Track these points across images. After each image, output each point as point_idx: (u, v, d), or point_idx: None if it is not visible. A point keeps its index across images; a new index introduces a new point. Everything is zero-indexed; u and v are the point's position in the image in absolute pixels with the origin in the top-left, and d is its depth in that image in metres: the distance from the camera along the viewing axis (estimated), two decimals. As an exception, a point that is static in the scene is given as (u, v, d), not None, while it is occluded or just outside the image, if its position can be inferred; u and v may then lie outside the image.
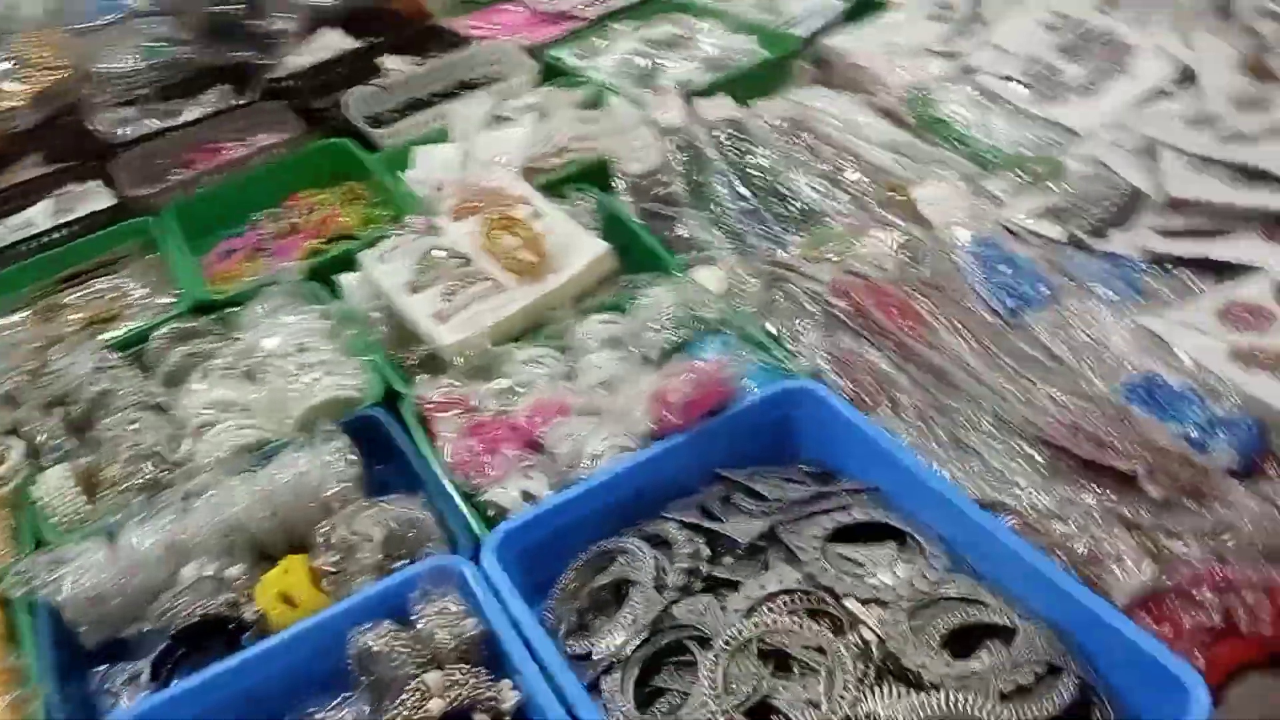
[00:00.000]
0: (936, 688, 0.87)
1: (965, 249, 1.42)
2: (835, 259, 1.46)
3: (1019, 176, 1.60)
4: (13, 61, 2.26)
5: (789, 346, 1.32)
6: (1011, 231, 1.46)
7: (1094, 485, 1.06)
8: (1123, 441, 1.06)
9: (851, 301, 1.31)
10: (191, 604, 1.11)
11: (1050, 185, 1.57)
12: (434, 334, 1.41)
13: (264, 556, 1.20)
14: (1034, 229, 1.48)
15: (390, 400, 1.36)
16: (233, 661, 1.00)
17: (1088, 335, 1.24)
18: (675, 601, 1.01)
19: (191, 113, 2.27)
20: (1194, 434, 1.07)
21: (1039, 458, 1.10)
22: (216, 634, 1.08)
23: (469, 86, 2.16)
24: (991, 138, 1.73)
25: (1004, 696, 0.85)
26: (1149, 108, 1.69)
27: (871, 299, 1.30)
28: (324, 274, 1.60)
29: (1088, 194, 1.53)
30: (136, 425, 1.32)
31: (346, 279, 1.59)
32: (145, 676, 1.07)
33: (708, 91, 1.93)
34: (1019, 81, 1.86)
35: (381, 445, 1.29)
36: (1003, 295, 1.32)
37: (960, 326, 1.27)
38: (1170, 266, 1.36)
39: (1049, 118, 1.75)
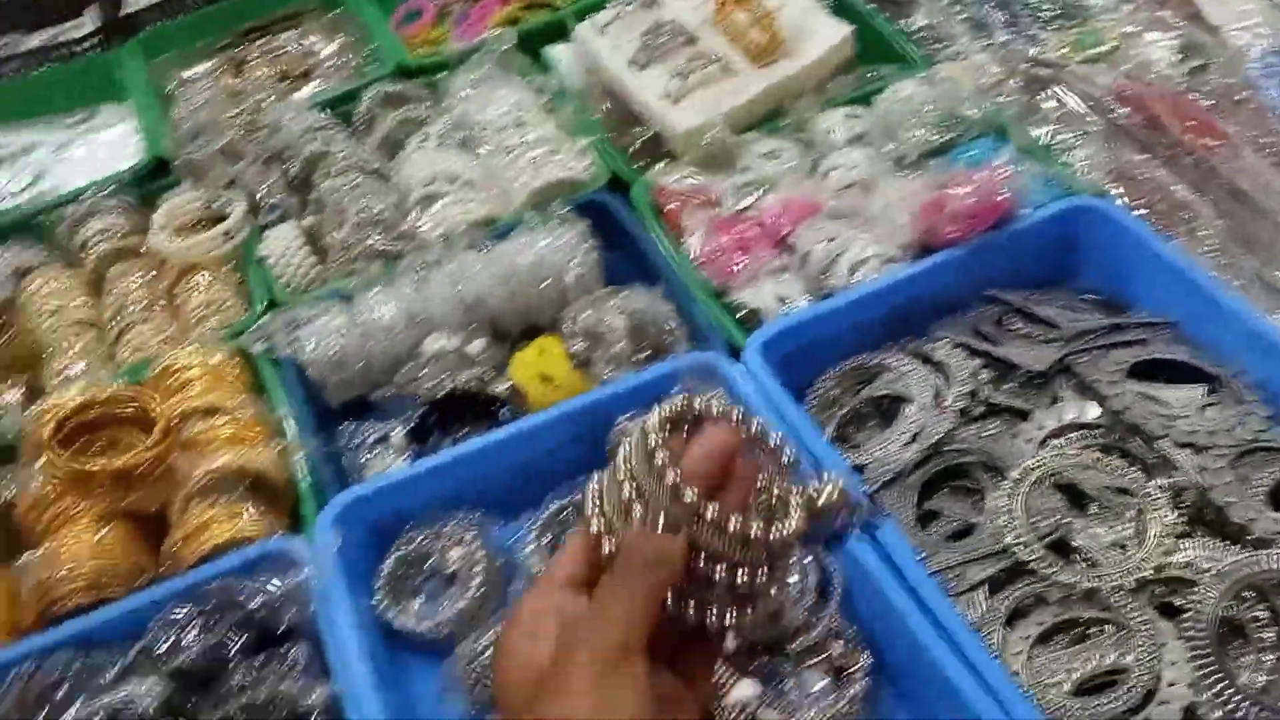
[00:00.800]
0: (1267, 544, 0.82)
1: (1260, 61, 1.26)
2: (1105, 61, 1.31)
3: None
4: None
5: (1060, 158, 1.20)
6: (1317, 46, 1.29)
7: None
8: None
9: (1143, 111, 1.18)
10: (438, 375, 1.09)
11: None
12: (664, 117, 1.32)
13: (499, 337, 1.18)
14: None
15: (612, 187, 1.29)
16: (497, 436, 0.99)
17: None
18: (955, 426, 0.96)
19: None
20: None
21: (1364, 304, 1.00)
22: (469, 407, 1.07)
23: None
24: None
25: None
26: None
27: (1165, 109, 1.17)
28: (525, 44, 1.50)
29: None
30: (359, 190, 1.28)
31: (557, 51, 1.49)
32: (399, 439, 1.07)
33: None
34: None
35: (608, 233, 1.23)
36: (1312, 119, 1.17)
37: (1266, 148, 1.13)
38: None
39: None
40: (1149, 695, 0.77)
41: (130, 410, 1.04)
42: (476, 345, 1.13)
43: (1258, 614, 0.79)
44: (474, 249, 1.18)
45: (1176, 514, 0.85)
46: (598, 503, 0.55)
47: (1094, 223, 1.08)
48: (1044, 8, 1.46)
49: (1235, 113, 1.19)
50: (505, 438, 0.99)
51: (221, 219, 1.31)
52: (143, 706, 0.83)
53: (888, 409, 1.03)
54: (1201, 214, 1.11)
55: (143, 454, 0.99)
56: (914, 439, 0.96)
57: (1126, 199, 1.14)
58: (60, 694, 0.86)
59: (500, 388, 1.09)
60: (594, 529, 0.54)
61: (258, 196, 1.33)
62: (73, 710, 0.84)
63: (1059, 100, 1.28)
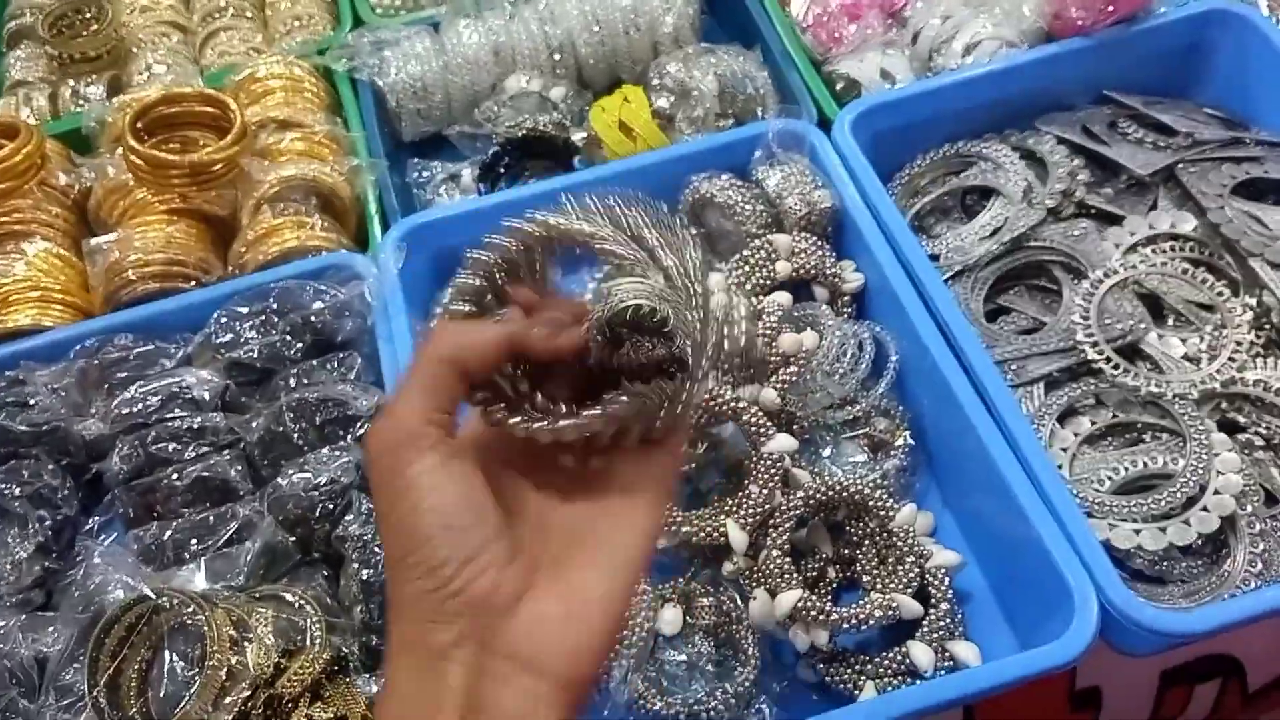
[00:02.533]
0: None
1: None
2: None
3: None
4: None
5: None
6: None
7: None
8: None
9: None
10: (516, 116, 1.07)
11: None
12: None
13: (583, 85, 1.14)
14: None
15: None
16: (566, 180, 0.97)
17: None
18: (1043, 221, 0.92)
19: None
20: None
21: None
22: (543, 151, 1.05)
23: None
24: None
25: None
26: None
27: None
28: None
29: None
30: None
31: None
32: (468, 178, 1.06)
33: None
34: None
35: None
36: None
37: None
38: None
39: None
40: (1190, 502, 0.76)
41: (210, 111, 1.04)
42: (559, 91, 1.10)
43: (1324, 443, 0.77)
44: (570, -13, 1.13)
45: (1256, 333, 0.82)
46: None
47: (1232, 29, 0.99)
48: None
49: None
50: (575, 183, 0.97)
51: (312, -66, 1.26)
52: (198, 393, 0.86)
53: (974, 205, 0.98)
54: (1356, 33, 1.01)
55: (218, 152, 0.99)
56: (994, 232, 0.92)
57: (1271, 8, 1.04)
58: (122, 374, 0.90)
59: (578, 136, 1.07)
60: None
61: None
62: (132, 389, 0.87)
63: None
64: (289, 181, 0.99)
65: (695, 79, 1.06)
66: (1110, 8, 0.97)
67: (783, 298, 0.88)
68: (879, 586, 0.76)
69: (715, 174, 0.96)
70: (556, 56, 1.11)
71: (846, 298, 0.91)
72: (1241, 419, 0.80)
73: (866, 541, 0.78)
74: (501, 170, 1.04)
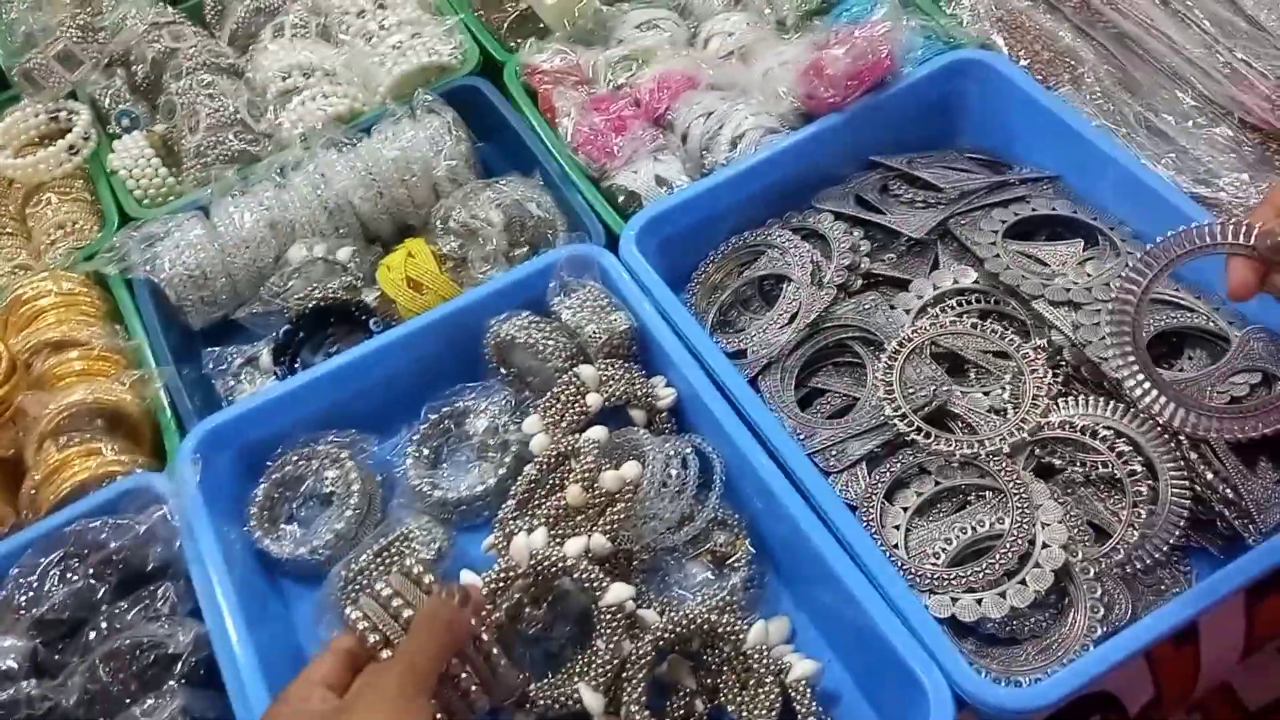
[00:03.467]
0: (1140, 397, 0.81)
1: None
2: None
3: None
4: None
5: (947, 9, 1.15)
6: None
7: (1311, 176, 0.95)
8: (1352, 128, 0.93)
9: (1027, -44, 1.12)
10: (305, 287, 1.04)
11: None
12: (533, -10, 1.24)
13: (370, 239, 1.12)
14: None
15: (486, 70, 1.22)
16: (366, 348, 0.94)
17: (1302, 1, 1.07)
18: (835, 300, 0.94)
19: None
20: None
21: (1246, 146, 0.98)
22: (338, 319, 1.02)
23: None
24: None
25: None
26: None
27: (1050, -47, 1.12)
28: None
29: None
30: (211, 89, 1.19)
31: (419, -77, 1.38)
32: (266, 360, 1.02)
33: None
34: None
35: (481, 121, 1.17)
36: (1199, -49, 1.12)
37: (1153, -11, 1.09)
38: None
39: None
40: (1024, 559, 0.77)
41: (-28, 350, 0.98)
42: (345, 251, 1.08)
43: (1134, 468, 0.79)
44: (336, 146, 1.11)
45: (1053, 375, 0.84)
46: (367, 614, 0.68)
47: (977, 77, 1.04)
48: None
49: (1123, -50, 1.13)
50: (374, 349, 0.94)
51: (67, 132, 1.22)
52: (3, 664, 0.80)
53: (772, 290, 1.00)
54: (1085, 60, 1.07)
55: (-13, 396, 0.93)
56: (792, 319, 0.93)
57: (1010, 50, 1.10)
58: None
59: (371, 295, 1.04)
60: (360, 627, 0.67)
61: (103, 105, 1.23)
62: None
63: (945, -52, 1.21)
64: (70, 410, 0.94)
65: (480, 216, 1.06)
66: (854, 82, 1.00)
67: (597, 433, 0.86)
68: (745, 714, 0.75)
69: (514, 313, 0.95)
70: (335, 218, 1.09)
71: (664, 414, 0.91)
72: (1057, 461, 0.82)
73: (725, 668, 0.77)
74: (298, 348, 1.01)
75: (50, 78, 1.26)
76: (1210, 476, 0.78)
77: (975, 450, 0.81)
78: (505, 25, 1.28)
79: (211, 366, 1.05)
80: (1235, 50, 1.03)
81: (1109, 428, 0.81)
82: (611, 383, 0.89)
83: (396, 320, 1.00)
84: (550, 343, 0.92)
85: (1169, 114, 1.01)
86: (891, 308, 0.92)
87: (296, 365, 1.01)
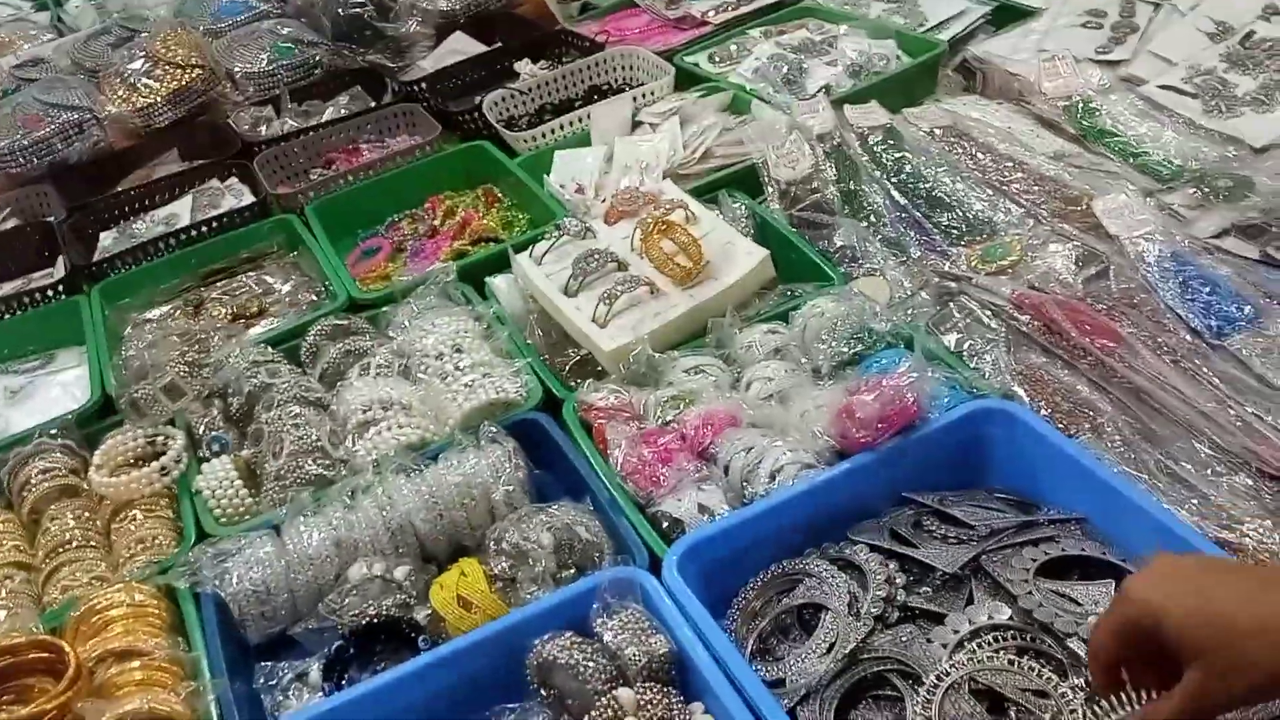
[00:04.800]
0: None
1: (1156, 265, 1.34)
2: (1010, 272, 1.39)
3: (1203, 191, 1.51)
4: (146, 60, 2.28)
5: (970, 364, 1.25)
6: (1204, 249, 1.37)
7: (1331, 522, 0.98)
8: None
9: (1041, 316, 1.24)
10: (360, 604, 1.09)
11: (1238, 201, 1.47)
12: (594, 339, 1.37)
13: (427, 559, 1.18)
14: (1226, 246, 1.39)
15: (548, 406, 1.33)
16: (411, 666, 0.97)
17: (1301, 359, 1.15)
18: (873, 630, 0.96)
19: (327, 113, 2.30)
20: None
21: (1266, 494, 1.02)
22: (389, 636, 1.05)
23: (601, 92, 2.14)
24: (1164, 150, 1.64)
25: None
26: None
27: (1063, 314, 1.23)
28: (471, 275, 1.59)
29: (1278, 211, 1.44)
30: (298, 420, 1.31)
31: (497, 281, 1.57)
32: (315, 676, 1.05)
33: (854, 98, 1.87)
34: (1185, 92, 1.77)
35: (541, 451, 1.26)
36: (1204, 315, 1.23)
37: (1162, 347, 1.18)
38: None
39: (1224, 130, 1.65)
40: None
41: (45, 656, 1.03)
42: (402, 570, 1.13)
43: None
44: (405, 472, 1.20)
45: (1093, 712, 0.83)
46: None
47: (1001, 423, 1.11)
48: (954, 226, 1.55)
49: (1132, 315, 1.24)
50: (420, 668, 0.98)
51: (161, 454, 1.33)
52: None
53: (810, 618, 1.02)
54: (1104, 411, 1.14)
55: (49, 701, 0.96)
56: (830, 649, 0.95)
57: (1031, 400, 1.18)
58: None
59: (423, 614, 1.08)
60: None
61: (198, 431, 1.36)
62: None
63: (966, 310, 1.34)
64: (125, 718, 0.96)
65: (530, 539, 1.11)
66: (883, 424, 1.08)
67: (633, 759, 0.86)
68: None
69: (557, 634, 0.98)
70: (397, 538, 1.15)
71: (700, 743, 0.91)
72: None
73: None
74: (347, 665, 1.04)
75: (154, 406, 1.40)
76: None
77: (1019, 791, 0.79)
78: (568, 368, 1.42)
79: (263, 681, 1.08)
80: (1246, 405, 1.10)
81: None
82: (649, 708, 0.90)
83: (445, 638, 1.03)
84: (590, 665, 0.94)
85: (1188, 462, 1.07)
86: (929, 641, 0.94)
87: (344, 681, 1.03)
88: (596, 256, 1.47)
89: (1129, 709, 0.76)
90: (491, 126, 2.03)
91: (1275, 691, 0.73)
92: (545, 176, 1.84)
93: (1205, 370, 1.14)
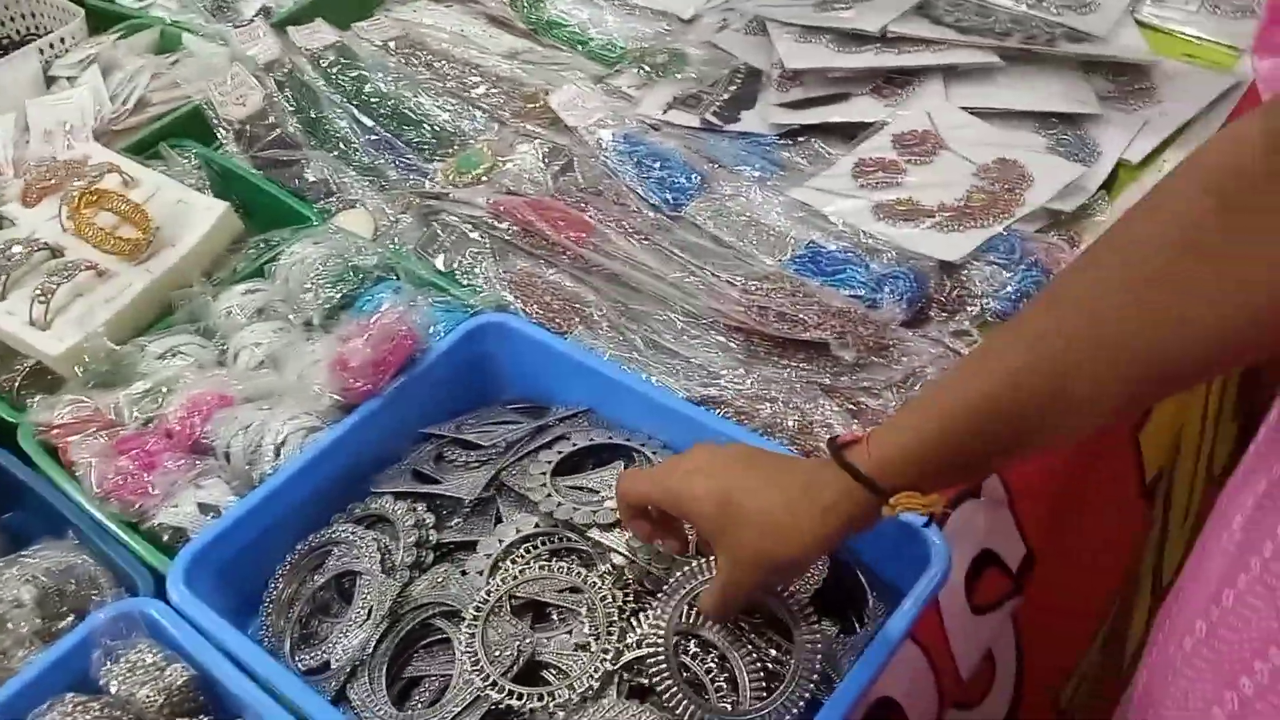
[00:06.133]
0: (697, 595, 0.86)
1: (613, 149, 1.40)
2: (486, 180, 1.38)
3: (644, 70, 1.60)
4: None
5: (463, 281, 1.24)
6: (652, 126, 1.46)
7: (789, 360, 1.10)
8: (807, 313, 1.10)
9: (517, 220, 1.25)
10: None
11: (675, 74, 1.58)
12: (37, 345, 1.17)
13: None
14: (670, 119, 1.48)
15: (2, 434, 1.12)
16: None
17: (747, 216, 1.27)
18: (410, 581, 0.93)
19: None
20: (864, 293, 1.13)
21: (734, 345, 1.12)
22: None
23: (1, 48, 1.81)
24: (608, 34, 1.71)
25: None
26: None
27: (536, 214, 1.25)
28: None
29: (710, 78, 1.56)
30: None
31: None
32: None
33: (298, 17, 1.74)
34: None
35: (4, 490, 1.07)
36: (660, 189, 1.31)
37: (628, 228, 1.25)
38: (801, 137, 1.42)
39: (654, 7, 1.76)
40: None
41: None
42: None
43: (709, 665, 0.82)
44: None
45: (622, 595, 0.88)
46: None
47: (498, 337, 1.11)
48: (425, 142, 1.50)
49: (599, 203, 1.29)
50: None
51: None
52: None
53: (349, 586, 0.97)
54: (590, 302, 1.18)
55: None
56: (370, 614, 0.90)
57: (524, 305, 1.19)
58: None
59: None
60: None
61: None
62: None
63: (449, 227, 1.31)
64: None
65: (5, 599, 0.94)
66: (381, 366, 1.03)
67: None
68: None
69: (58, 699, 0.84)
70: None
71: (250, 763, 0.83)
72: (647, 681, 0.84)
73: None
74: None
75: None
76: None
77: (568, 696, 0.81)
78: (16, 386, 1.20)
79: None
80: (707, 269, 1.20)
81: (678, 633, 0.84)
82: (180, 749, 0.80)
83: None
84: (102, 724, 0.81)
85: (668, 332, 1.14)
86: (464, 574, 0.93)
87: None
88: (20, 247, 1.25)
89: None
90: None
91: (777, 577, 0.80)
92: (-62, 161, 1.52)
93: (667, 244, 1.21)
